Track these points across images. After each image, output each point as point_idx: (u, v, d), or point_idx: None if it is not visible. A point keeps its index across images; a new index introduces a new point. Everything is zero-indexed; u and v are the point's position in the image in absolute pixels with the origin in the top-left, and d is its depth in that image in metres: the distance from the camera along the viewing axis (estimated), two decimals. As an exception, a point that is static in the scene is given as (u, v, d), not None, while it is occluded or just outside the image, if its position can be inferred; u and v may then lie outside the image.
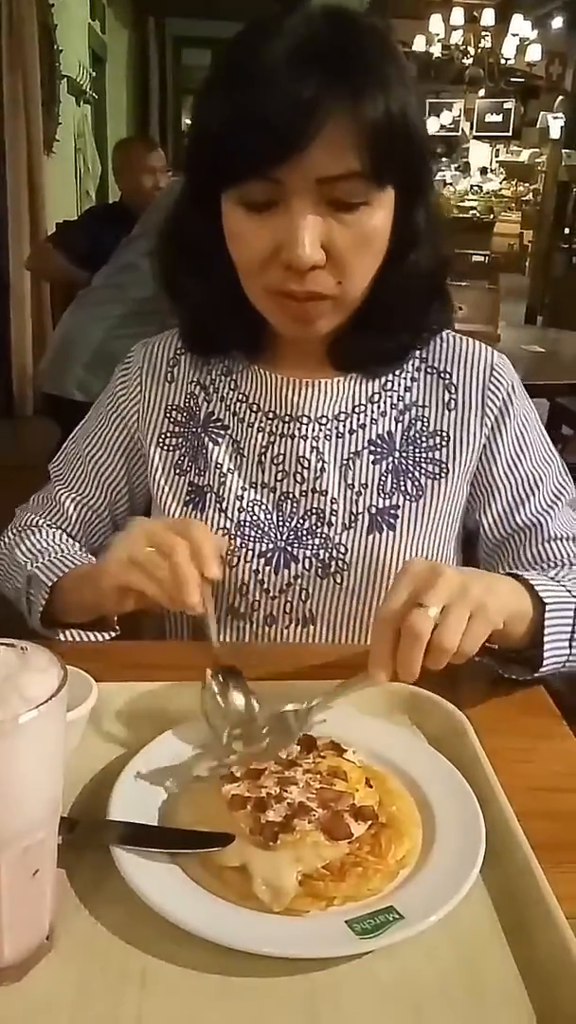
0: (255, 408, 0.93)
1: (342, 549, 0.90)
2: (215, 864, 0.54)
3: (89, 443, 1.00)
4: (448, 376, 0.94)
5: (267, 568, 0.90)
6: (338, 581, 0.90)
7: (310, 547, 0.90)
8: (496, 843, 0.56)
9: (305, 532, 0.90)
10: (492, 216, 9.88)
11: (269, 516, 0.91)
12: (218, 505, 0.92)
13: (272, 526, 0.91)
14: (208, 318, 0.91)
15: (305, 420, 0.91)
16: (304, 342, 0.88)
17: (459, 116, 10.85)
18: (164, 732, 0.67)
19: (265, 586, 0.90)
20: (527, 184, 10.30)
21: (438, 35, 8.41)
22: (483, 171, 10.73)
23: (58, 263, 3.12)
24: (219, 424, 0.94)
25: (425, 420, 0.93)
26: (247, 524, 0.90)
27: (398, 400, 0.93)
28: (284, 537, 0.90)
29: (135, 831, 0.56)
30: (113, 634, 0.89)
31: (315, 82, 0.71)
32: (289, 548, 0.90)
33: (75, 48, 5.25)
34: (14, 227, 3.93)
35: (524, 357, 2.97)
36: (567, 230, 7.86)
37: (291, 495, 0.91)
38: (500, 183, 10.58)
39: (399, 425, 0.92)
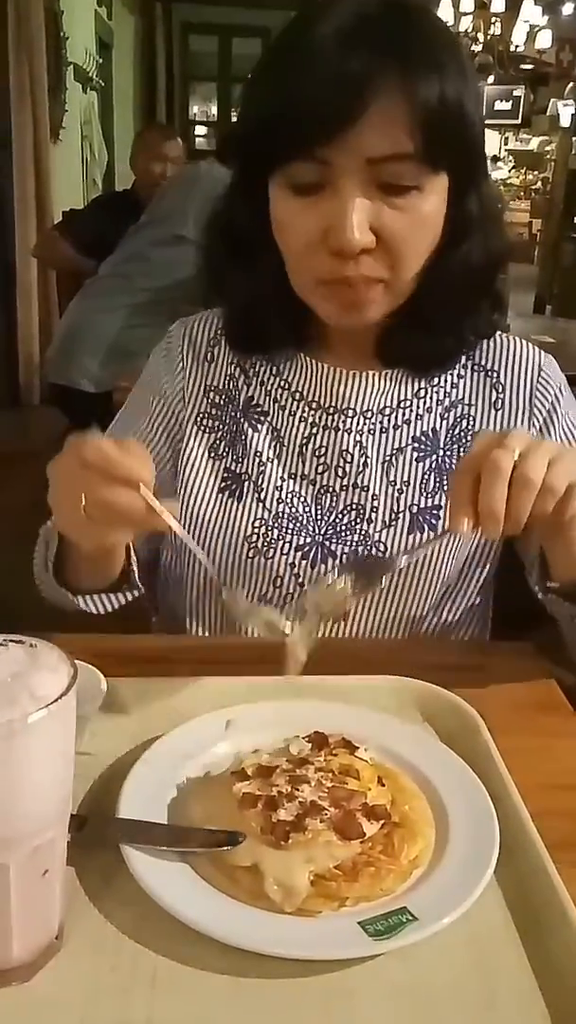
0: (298, 397, 0.91)
1: (381, 547, 0.88)
2: (226, 863, 0.54)
3: (134, 425, 0.95)
4: (495, 375, 0.92)
5: (303, 562, 0.89)
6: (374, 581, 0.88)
7: (348, 543, 0.89)
8: (510, 842, 0.56)
9: (344, 527, 0.89)
10: (500, 205, 9.79)
11: (308, 509, 0.89)
12: (256, 495, 0.90)
13: (311, 519, 0.89)
14: (254, 316, 0.89)
15: (350, 413, 0.90)
16: (352, 334, 0.87)
17: (468, 103, 10.74)
18: (174, 728, 0.66)
19: (300, 580, 0.89)
20: (536, 172, 10.22)
21: (448, 21, 8.33)
22: (492, 159, 10.64)
23: (64, 251, 3.11)
24: (259, 410, 0.92)
25: (471, 419, 0.91)
26: (285, 516, 0.89)
27: (444, 396, 0.92)
28: (322, 531, 0.89)
29: (145, 829, 0.56)
30: (136, 593, 0.84)
31: (364, 59, 0.70)
32: (327, 543, 0.89)
33: (82, 35, 5.21)
34: (20, 214, 3.91)
35: (533, 348, 2.95)
36: (576, 219, 7.79)
37: (331, 489, 0.90)
38: (509, 171, 10.50)
39: (444, 423, 0.91)
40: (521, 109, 10.66)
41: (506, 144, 10.93)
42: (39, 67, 3.90)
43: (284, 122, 0.73)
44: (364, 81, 0.70)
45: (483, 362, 0.93)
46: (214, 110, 8.85)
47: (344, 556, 0.88)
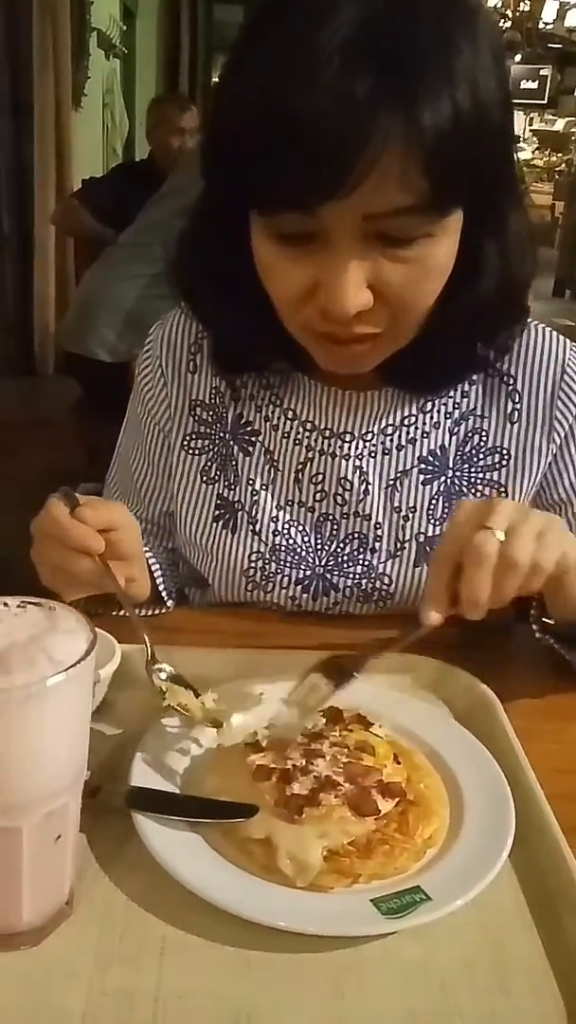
0: (291, 416, 0.83)
1: (386, 580, 0.82)
2: (239, 835, 0.53)
3: (129, 456, 0.91)
4: (512, 381, 0.82)
5: (304, 595, 0.84)
6: (380, 608, 0.83)
7: (351, 575, 0.83)
8: (525, 824, 0.55)
9: (346, 558, 0.83)
10: (523, 187, 9.67)
11: (307, 539, 0.83)
12: (251, 527, 0.83)
13: (310, 550, 0.83)
14: (239, 340, 0.80)
15: (347, 437, 0.82)
16: None
17: (495, 82, 10.57)
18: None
19: (301, 612, 0.84)
20: (560, 154, 10.07)
21: (477, -3, 8.15)
22: (516, 140, 10.48)
23: (83, 220, 3.09)
24: (249, 429, 0.84)
25: (483, 434, 0.82)
26: (283, 549, 0.83)
27: (453, 408, 0.82)
28: (323, 563, 0.83)
29: (158, 798, 0.55)
30: (165, 608, 0.84)
31: (368, 86, 0.56)
32: (328, 575, 0.83)
33: (106, 1, 5.13)
34: (40, 182, 3.87)
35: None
36: (600, 203, 7.69)
37: (331, 516, 0.83)
38: (532, 152, 10.35)
39: (453, 439, 0.82)
40: (548, 89, 10.47)
41: (531, 125, 10.76)
42: (62, 32, 3.84)
43: (271, 163, 0.59)
44: (369, 118, 0.56)
45: (498, 364, 0.82)
46: (237, 81, 8.72)
47: (347, 589, 0.83)
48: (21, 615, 0.44)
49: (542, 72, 10.30)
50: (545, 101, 10.51)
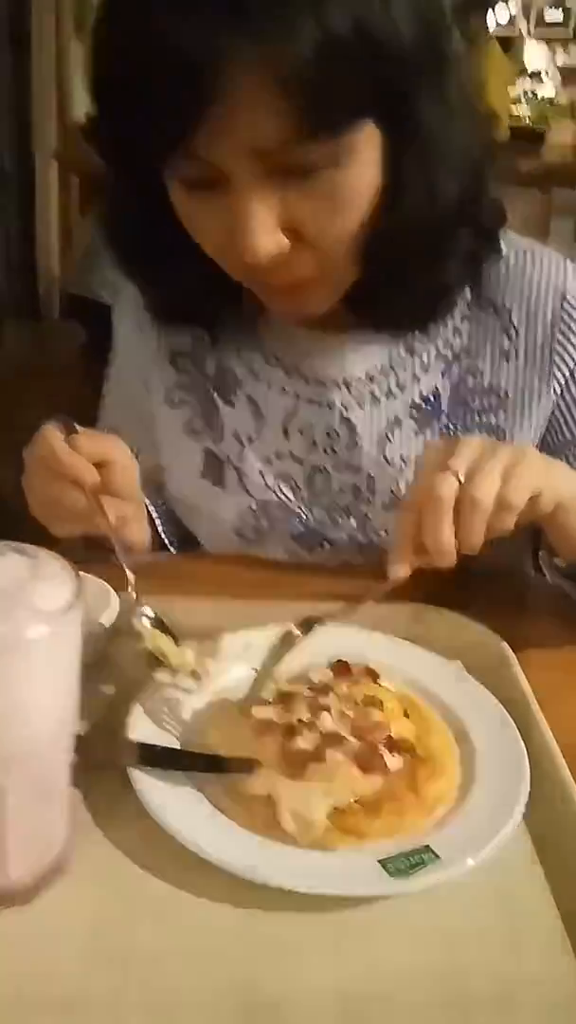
0: (273, 362, 0.78)
1: (383, 533, 0.79)
2: (240, 792, 0.51)
3: (114, 412, 0.88)
4: (507, 314, 0.75)
5: (302, 550, 0.81)
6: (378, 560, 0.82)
7: (347, 529, 0.79)
8: (539, 783, 0.52)
9: (341, 511, 0.79)
10: (546, 125, 9.35)
11: (299, 494, 0.79)
12: (240, 483, 0.80)
13: (303, 505, 0.80)
14: (195, 296, 0.74)
15: (329, 384, 0.77)
16: None
17: (516, 13, 10.14)
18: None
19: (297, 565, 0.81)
20: (585, 91, 9.69)
21: None
22: (536, 75, 10.10)
23: (88, 155, 2.99)
24: (231, 378, 0.80)
25: (478, 374, 0.76)
26: (274, 505, 0.80)
27: (444, 348, 0.76)
28: (316, 518, 0.80)
29: (155, 752, 0.53)
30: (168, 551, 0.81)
31: (220, 14, 0.52)
32: (322, 530, 0.80)
33: None
34: (39, 116, 3.74)
35: None
36: (624, 142, 7.41)
37: (322, 469, 0.79)
38: (556, 89, 9.97)
39: (447, 381, 0.76)
40: (573, 21, 10.03)
41: (555, 58, 10.35)
42: (62, -45, 3.67)
43: (138, 107, 0.56)
44: (220, 46, 0.52)
45: (491, 295, 0.74)
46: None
47: (342, 542, 0.79)
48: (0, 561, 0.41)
49: (567, 3, 9.86)
50: (571, 34, 10.07)
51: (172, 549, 0.83)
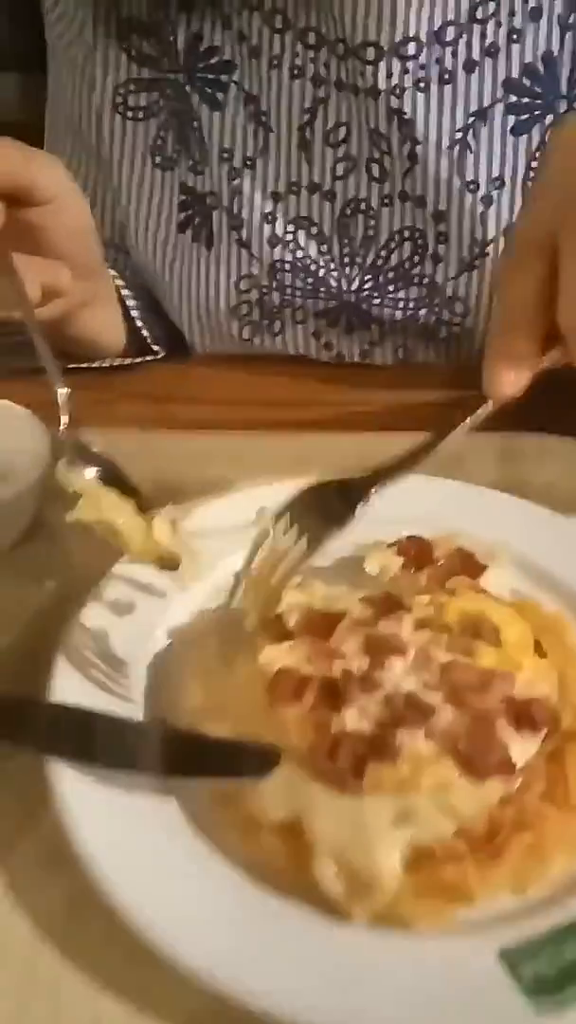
0: (279, 24, 0.52)
1: (459, 307, 0.56)
2: (242, 810, 0.28)
3: (55, 139, 0.62)
4: None
5: (332, 330, 0.58)
6: (449, 354, 0.57)
7: (402, 301, 0.56)
8: None
9: (391, 275, 0.56)
10: None
11: (327, 248, 0.56)
12: (234, 234, 0.56)
13: (334, 266, 0.56)
14: None
15: (373, 54, 0.50)
16: None
17: None
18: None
19: (330, 356, 0.59)
20: None
21: None
22: None
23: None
24: (217, 62, 0.54)
25: None
26: (289, 266, 0.56)
27: None
28: (354, 285, 0.56)
29: (95, 730, 0.30)
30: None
31: None
32: (364, 305, 0.56)
33: None
34: None
35: None
36: None
37: (363, 204, 0.54)
38: None
39: (567, 40, 0.51)
40: None
41: None
42: None
43: None
44: None
45: None
46: None
47: (393, 323, 0.57)
48: None
49: None
50: None
51: (158, 348, 0.57)
